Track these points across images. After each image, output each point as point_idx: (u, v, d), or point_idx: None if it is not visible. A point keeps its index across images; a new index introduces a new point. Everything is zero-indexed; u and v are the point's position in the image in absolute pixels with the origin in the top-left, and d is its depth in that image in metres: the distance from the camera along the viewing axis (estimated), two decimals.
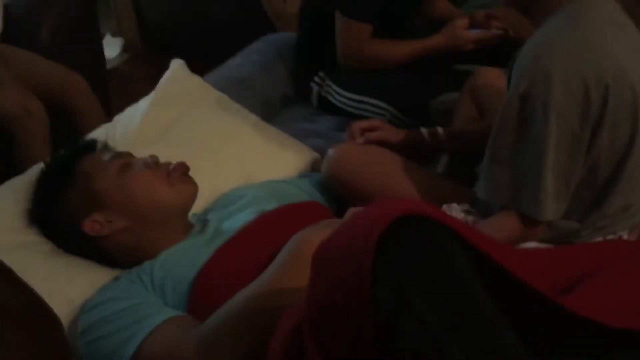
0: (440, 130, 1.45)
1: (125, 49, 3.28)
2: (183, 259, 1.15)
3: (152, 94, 1.59)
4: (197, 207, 1.39)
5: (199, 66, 2.02)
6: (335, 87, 1.84)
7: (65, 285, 1.19)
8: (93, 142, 1.30)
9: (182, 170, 1.25)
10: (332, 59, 1.84)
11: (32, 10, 2.10)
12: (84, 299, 1.18)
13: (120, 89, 2.90)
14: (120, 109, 1.58)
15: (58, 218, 1.22)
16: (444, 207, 1.19)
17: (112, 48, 3.25)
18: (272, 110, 1.88)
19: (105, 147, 1.32)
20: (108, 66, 3.12)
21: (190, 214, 1.32)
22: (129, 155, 1.28)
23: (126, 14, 3.25)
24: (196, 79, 1.67)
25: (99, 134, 1.48)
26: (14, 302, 0.99)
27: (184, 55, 3.10)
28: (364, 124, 1.48)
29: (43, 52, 2.08)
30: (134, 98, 1.61)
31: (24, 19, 2.10)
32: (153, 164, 1.23)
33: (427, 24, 1.93)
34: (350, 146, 1.39)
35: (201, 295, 1.10)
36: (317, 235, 1.04)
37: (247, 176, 1.49)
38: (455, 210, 1.18)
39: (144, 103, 1.58)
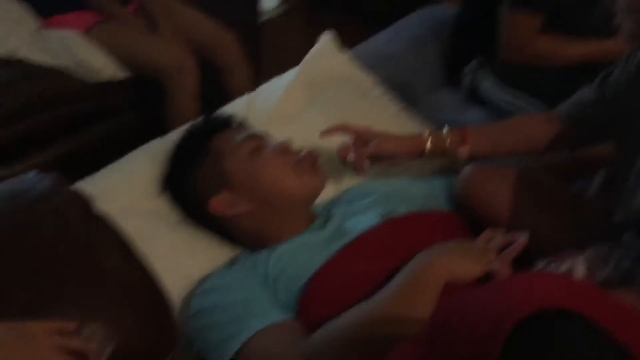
0: (445, 132, 1.25)
1: (284, 0, 3.28)
2: (300, 257, 1.12)
3: (297, 69, 1.55)
4: (325, 195, 1.35)
5: (357, 26, 1.96)
6: (490, 78, 1.70)
7: (185, 259, 1.21)
8: (229, 119, 1.29)
9: (311, 160, 1.21)
10: (491, 46, 1.69)
11: None
12: (201, 277, 1.19)
13: (274, 42, 2.91)
14: (272, 63, 1.56)
15: (188, 192, 1.24)
16: (564, 267, 1.04)
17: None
18: (417, 93, 1.77)
19: (241, 125, 1.31)
20: (265, 17, 3.15)
21: (315, 204, 1.28)
22: (262, 137, 1.25)
23: None
24: (343, 57, 1.61)
25: (240, 104, 1.48)
26: (125, 272, 1.03)
27: (342, 13, 3.08)
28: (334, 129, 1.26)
29: (198, 2, 2.11)
30: (286, 53, 1.57)
31: None
32: (284, 150, 1.20)
33: (606, 21, 1.71)
34: (490, 169, 1.25)
35: (313, 299, 1.06)
36: (443, 261, 0.98)
37: (381, 170, 1.42)
38: (580, 266, 1.02)
39: (287, 77, 1.54)
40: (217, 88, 1.98)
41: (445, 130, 1.27)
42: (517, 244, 1.04)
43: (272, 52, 2.58)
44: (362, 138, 1.24)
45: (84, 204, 1.05)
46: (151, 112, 1.94)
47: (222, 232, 1.24)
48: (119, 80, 1.90)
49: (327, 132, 1.26)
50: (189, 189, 1.23)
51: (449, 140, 1.25)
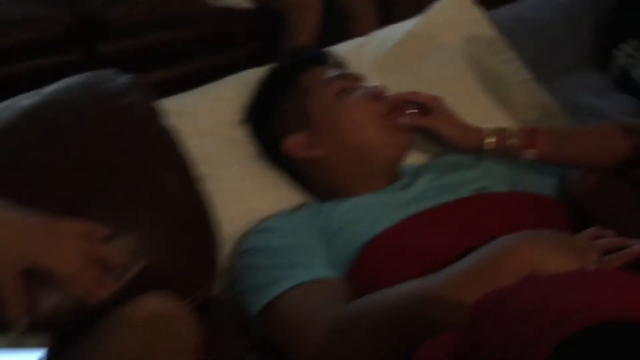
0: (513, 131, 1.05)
1: None
2: (368, 215, 1.00)
3: (418, 18, 1.40)
4: (420, 157, 1.22)
5: None
6: None
7: (251, 195, 1.14)
8: (325, 55, 1.18)
9: (404, 116, 1.07)
10: None
11: None
12: (263, 216, 1.11)
13: None
14: (408, 12, 1.42)
15: (268, 125, 1.15)
16: None
17: None
18: (557, 68, 1.55)
19: (337, 63, 1.19)
20: None
21: (404, 164, 1.14)
22: (356, 78, 1.13)
23: None
24: (475, 12, 1.42)
25: (347, 47, 1.36)
26: (174, 191, 0.97)
27: None
28: (399, 96, 1.08)
29: None
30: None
31: None
32: (375, 95, 1.08)
33: None
34: (597, 182, 1.05)
35: (368, 262, 0.95)
36: (532, 249, 0.82)
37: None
38: None
39: (406, 25, 1.40)
40: (340, 33, 1.87)
41: (512, 129, 1.08)
42: (633, 250, 0.84)
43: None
44: (426, 106, 1.07)
45: (152, 113, 0.99)
46: (271, 46, 1.88)
47: (294, 174, 1.15)
48: (242, 8, 1.85)
49: (395, 98, 1.09)
50: (269, 122, 1.15)
51: (515, 140, 1.05)
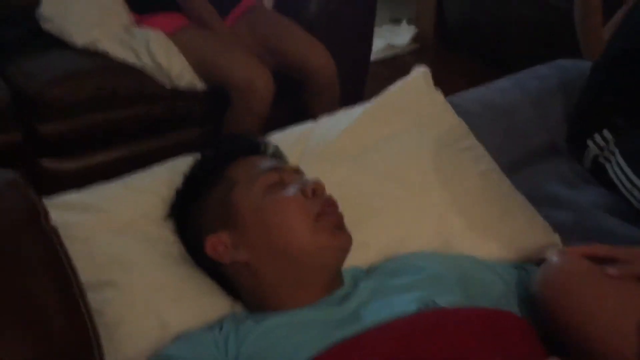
0: None
1: (415, 39, 3.05)
2: (287, 340, 0.85)
3: (372, 101, 1.29)
4: (367, 258, 1.07)
5: (492, 75, 1.69)
6: (620, 159, 1.31)
7: (168, 304, 0.98)
8: (259, 143, 1.06)
9: (336, 219, 0.94)
10: (630, 117, 1.32)
11: None
12: (180, 330, 0.95)
13: (397, 78, 2.69)
14: None
15: (190, 222, 1.01)
16: None
17: (402, 36, 3.06)
18: (526, 156, 1.43)
19: (275, 153, 1.07)
20: (393, 52, 2.95)
21: (346, 267, 1.00)
22: (290, 171, 1.00)
23: (427, 4, 2.99)
24: (436, 96, 1.31)
25: (288, 135, 1.23)
26: (44, 301, 0.80)
27: (476, 59, 2.80)
28: (584, 249, 0.92)
29: (307, 25, 1.92)
30: None
31: None
32: (308, 193, 0.94)
33: None
34: (592, 267, 0.88)
35: None
36: None
37: (444, 241, 1.10)
38: None
39: (358, 109, 1.28)
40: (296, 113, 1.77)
41: None
42: None
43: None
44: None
45: (34, 215, 0.84)
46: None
47: (219, 279, 1.00)
48: (196, 90, 1.75)
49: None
50: (192, 218, 1.01)
51: None
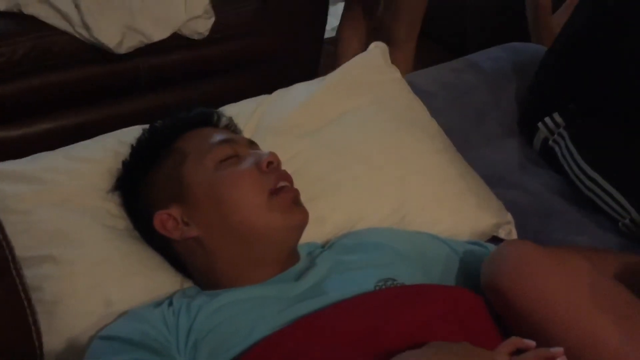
0: None
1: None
2: (243, 317, 0.81)
3: (330, 75, 1.26)
4: (323, 234, 1.05)
5: (443, 58, 1.68)
6: (569, 144, 1.32)
7: (113, 280, 0.93)
8: (213, 115, 1.01)
9: (291, 195, 0.91)
10: (582, 102, 1.32)
11: None
12: (125, 308, 0.91)
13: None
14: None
15: (138, 195, 0.96)
16: None
17: None
18: (477, 136, 1.43)
19: (229, 125, 1.02)
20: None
21: (302, 242, 0.97)
22: (244, 144, 0.96)
23: None
24: (392, 73, 1.29)
25: (248, 105, 1.19)
26: None
27: (432, 41, 2.79)
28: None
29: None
30: None
31: None
32: (263, 167, 0.90)
33: None
34: (548, 251, 0.85)
35: None
36: None
37: (401, 218, 1.09)
38: None
39: (315, 83, 1.25)
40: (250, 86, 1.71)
41: None
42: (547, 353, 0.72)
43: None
44: None
45: None
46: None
47: (168, 255, 0.95)
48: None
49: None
50: (140, 192, 0.96)
51: None
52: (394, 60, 1.31)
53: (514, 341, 0.74)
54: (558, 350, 0.73)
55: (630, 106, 1.26)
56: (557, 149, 1.34)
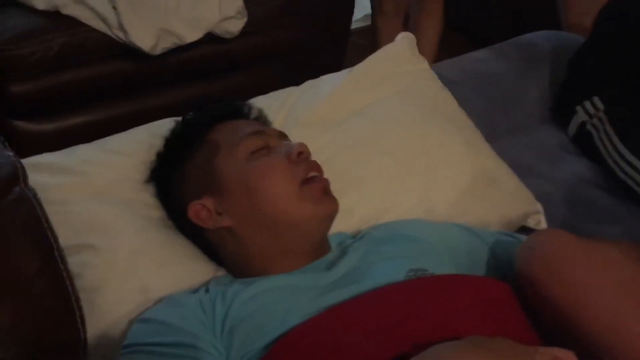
0: None
1: None
2: (277, 304, 0.83)
3: (357, 67, 1.27)
4: (350, 225, 1.06)
5: (469, 48, 1.68)
6: (608, 128, 1.30)
7: (149, 268, 0.96)
8: (244, 107, 1.03)
9: (321, 186, 0.92)
10: (622, 87, 1.31)
11: None
12: (161, 295, 0.93)
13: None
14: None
15: (172, 186, 0.99)
16: None
17: None
18: (504, 124, 1.42)
19: (259, 117, 1.04)
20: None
21: (331, 233, 0.99)
22: (274, 136, 0.98)
23: None
24: (420, 64, 1.29)
25: (277, 97, 1.21)
26: (25, 269, 0.78)
27: (458, 32, 2.78)
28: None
29: None
30: None
31: None
32: (294, 158, 0.92)
33: None
34: (583, 242, 0.85)
35: None
36: None
37: (429, 209, 1.10)
38: None
39: (342, 75, 1.26)
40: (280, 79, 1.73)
41: None
42: None
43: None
44: None
45: (14, 177, 0.80)
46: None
47: (201, 244, 0.98)
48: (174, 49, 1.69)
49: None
50: (174, 183, 0.98)
51: None
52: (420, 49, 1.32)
53: (557, 352, 0.74)
54: None
55: None
56: (594, 133, 1.33)
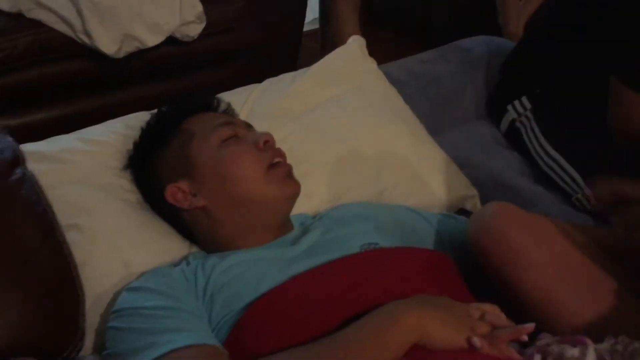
0: None
1: None
2: (251, 271, 0.95)
3: (313, 66, 1.39)
4: (310, 206, 1.19)
5: (412, 50, 1.82)
6: (534, 125, 1.48)
7: (131, 244, 1.06)
8: (212, 100, 1.14)
9: (285, 169, 1.05)
10: (546, 87, 1.48)
11: None
12: (142, 269, 1.03)
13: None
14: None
15: (149, 172, 1.09)
16: (571, 353, 0.83)
17: None
18: (447, 120, 1.58)
19: (227, 110, 1.16)
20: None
21: (293, 214, 1.11)
22: (243, 126, 1.09)
23: None
24: (369, 64, 1.43)
25: (241, 93, 1.32)
26: (32, 248, 0.88)
27: (401, 34, 2.93)
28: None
29: None
30: None
31: None
32: (260, 145, 1.04)
33: None
34: (525, 214, 0.99)
35: (250, 324, 0.89)
36: (419, 319, 0.82)
37: (380, 192, 1.24)
38: (591, 357, 0.82)
39: (300, 73, 1.39)
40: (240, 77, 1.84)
41: None
42: (518, 329, 0.85)
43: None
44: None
45: (16, 160, 0.89)
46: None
47: (176, 224, 1.08)
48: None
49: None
50: (150, 169, 1.09)
51: None
52: None
53: (488, 305, 0.88)
54: (530, 325, 0.84)
55: (590, 89, 1.41)
56: (522, 129, 1.50)
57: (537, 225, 0.99)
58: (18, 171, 0.89)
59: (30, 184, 0.90)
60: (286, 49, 2.20)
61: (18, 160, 0.90)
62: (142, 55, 1.81)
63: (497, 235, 0.97)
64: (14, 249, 0.83)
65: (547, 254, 0.96)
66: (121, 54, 1.75)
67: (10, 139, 0.91)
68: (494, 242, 0.97)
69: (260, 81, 1.38)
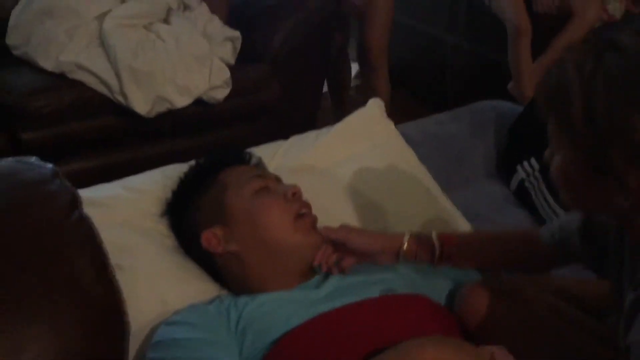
0: (432, 235, 1.12)
1: (359, 76, 3.29)
2: (278, 312, 1.04)
3: (336, 125, 1.51)
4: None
5: (426, 111, 1.94)
6: (542, 186, 1.57)
7: (167, 284, 1.15)
8: (245, 155, 1.25)
9: (311, 220, 1.14)
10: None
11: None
12: (177, 307, 1.12)
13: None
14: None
15: (185, 219, 1.19)
16: None
17: None
18: (457, 178, 1.68)
19: (258, 164, 1.26)
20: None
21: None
22: (273, 179, 1.20)
23: None
24: (388, 125, 1.55)
25: (270, 148, 1.43)
26: (88, 283, 0.96)
27: (417, 96, 3.07)
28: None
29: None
30: None
31: None
32: (289, 197, 1.14)
33: None
34: (486, 291, 1.08)
35: (278, 358, 0.97)
36: (433, 349, 0.89)
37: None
38: None
39: (324, 132, 1.50)
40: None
41: (432, 234, 1.13)
42: None
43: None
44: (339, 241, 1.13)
45: (74, 202, 1.00)
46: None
47: (209, 268, 1.17)
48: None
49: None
50: (187, 216, 1.18)
51: (431, 246, 1.12)
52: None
53: (498, 350, 0.95)
54: None
55: None
56: (531, 189, 1.59)
57: (506, 307, 1.08)
58: (76, 212, 0.99)
59: (86, 225, 1.00)
60: (305, 108, 2.34)
61: (76, 203, 1.00)
62: (171, 114, 1.96)
63: (474, 315, 1.08)
64: (71, 283, 0.92)
65: (510, 334, 1.04)
66: (152, 114, 1.90)
67: (68, 183, 1.01)
68: (472, 319, 1.09)
69: (281, 137, 1.50)
